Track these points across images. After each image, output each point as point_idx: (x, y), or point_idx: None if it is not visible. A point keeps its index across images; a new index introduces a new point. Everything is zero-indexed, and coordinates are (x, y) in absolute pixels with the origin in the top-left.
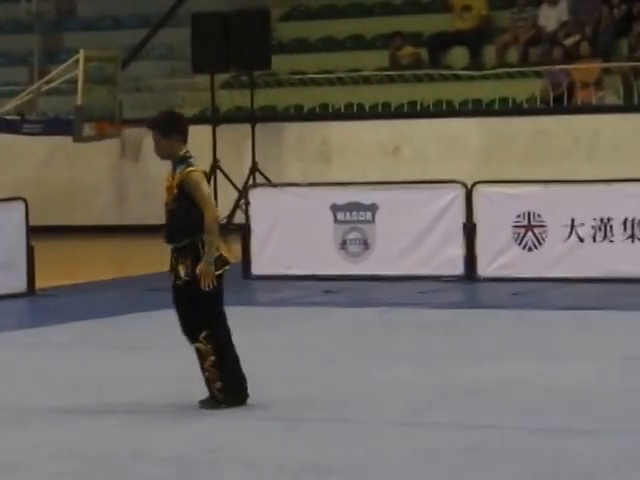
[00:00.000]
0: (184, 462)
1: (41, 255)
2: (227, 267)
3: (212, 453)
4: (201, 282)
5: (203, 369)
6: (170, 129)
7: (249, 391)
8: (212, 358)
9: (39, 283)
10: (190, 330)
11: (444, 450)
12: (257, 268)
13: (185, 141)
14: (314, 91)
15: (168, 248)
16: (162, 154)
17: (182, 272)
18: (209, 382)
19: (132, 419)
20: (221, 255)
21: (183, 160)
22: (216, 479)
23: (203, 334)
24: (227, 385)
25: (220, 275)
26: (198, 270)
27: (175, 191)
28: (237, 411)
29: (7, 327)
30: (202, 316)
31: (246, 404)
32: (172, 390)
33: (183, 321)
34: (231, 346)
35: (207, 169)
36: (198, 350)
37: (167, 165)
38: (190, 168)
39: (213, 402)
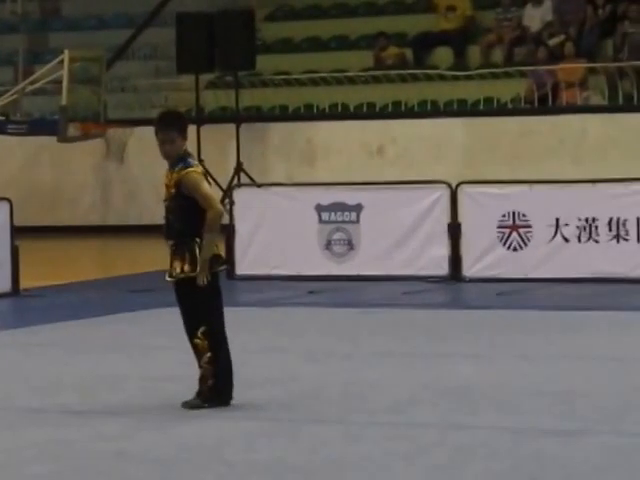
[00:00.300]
0: (166, 462)
1: (26, 255)
2: (224, 266)
3: (195, 454)
4: (197, 278)
5: (200, 366)
6: (185, 128)
7: (234, 391)
8: (208, 355)
9: (24, 283)
10: (189, 326)
11: (428, 450)
12: (241, 268)
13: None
14: (299, 91)
15: (152, 248)
16: (173, 154)
17: (177, 269)
18: (203, 379)
19: (116, 419)
20: (219, 254)
21: (182, 158)
22: (195, 478)
23: (201, 330)
24: (218, 384)
25: (216, 273)
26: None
27: (172, 190)
28: (220, 411)
29: None
30: (199, 313)
31: (229, 405)
32: (156, 390)
33: (184, 317)
34: (226, 347)
35: None
36: (196, 346)
37: (151, 166)
38: (188, 169)
39: (197, 402)
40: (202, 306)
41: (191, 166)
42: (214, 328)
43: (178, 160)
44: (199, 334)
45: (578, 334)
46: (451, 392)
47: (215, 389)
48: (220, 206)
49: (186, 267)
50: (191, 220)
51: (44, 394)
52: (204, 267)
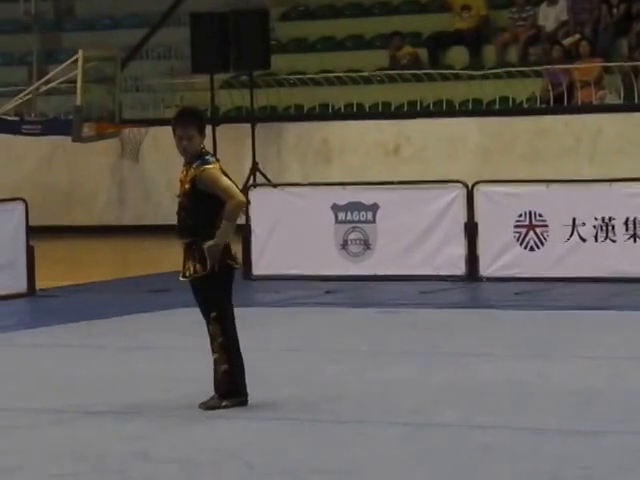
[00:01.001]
0: (186, 463)
1: (41, 255)
2: (238, 265)
3: (214, 454)
4: (207, 262)
5: (213, 350)
6: (203, 126)
7: (253, 391)
8: (220, 340)
9: (39, 283)
10: (204, 315)
11: (448, 450)
12: (258, 269)
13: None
14: (314, 91)
15: (169, 248)
16: (192, 150)
17: (191, 269)
18: (216, 364)
19: (134, 420)
20: (235, 253)
21: (200, 156)
22: (216, 479)
23: (212, 315)
24: (232, 370)
25: (231, 270)
26: (206, 249)
27: (187, 186)
28: (239, 412)
29: (8, 327)
30: (211, 303)
31: (247, 405)
32: (173, 391)
33: (200, 310)
34: (236, 338)
35: None
36: (209, 332)
37: (167, 165)
38: (205, 166)
39: (215, 402)
40: (214, 298)
41: (209, 163)
42: (225, 314)
43: (196, 157)
44: (211, 319)
45: (596, 333)
46: (470, 392)
47: (231, 375)
48: (242, 196)
49: (198, 267)
50: (204, 218)
51: (62, 395)
52: (215, 252)
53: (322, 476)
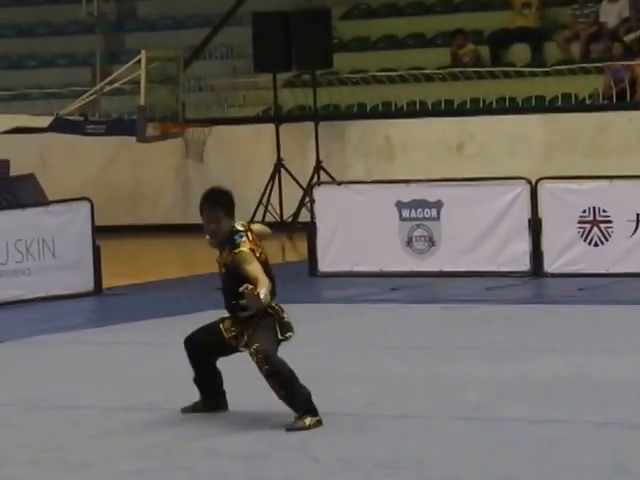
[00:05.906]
0: (253, 458)
1: (107, 255)
2: (289, 334)
3: (281, 449)
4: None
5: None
6: (232, 206)
7: (319, 386)
8: (266, 367)
9: (106, 282)
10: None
11: (514, 445)
12: (323, 265)
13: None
14: (376, 89)
15: None
16: (220, 233)
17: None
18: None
19: (200, 417)
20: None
21: (230, 238)
22: (283, 473)
23: (254, 346)
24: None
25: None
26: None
27: (223, 270)
28: None
29: (75, 326)
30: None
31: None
32: (239, 388)
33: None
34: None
35: (271, 167)
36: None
37: (230, 164)
38: (235, 250)
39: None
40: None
41: (239, 245)
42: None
43: (226, 240)
44: (252, 349)
45: None
46: (535, 387)
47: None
48: (267, 280)
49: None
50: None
51: (130, 392)
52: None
53: (387, 470)
